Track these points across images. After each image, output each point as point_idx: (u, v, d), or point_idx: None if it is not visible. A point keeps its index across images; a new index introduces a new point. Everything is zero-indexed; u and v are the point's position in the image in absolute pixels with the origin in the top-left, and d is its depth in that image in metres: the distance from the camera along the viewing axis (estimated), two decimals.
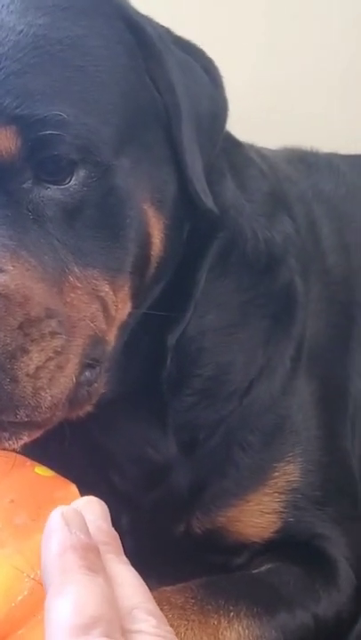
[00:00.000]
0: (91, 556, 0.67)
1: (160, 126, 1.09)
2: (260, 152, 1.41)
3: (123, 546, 1.18)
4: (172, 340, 1.16)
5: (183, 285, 1.17)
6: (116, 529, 1.18)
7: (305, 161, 1.54)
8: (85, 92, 1.01)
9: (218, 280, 1.21)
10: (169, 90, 1.09)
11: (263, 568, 1.18)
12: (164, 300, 1.14)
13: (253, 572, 1.18)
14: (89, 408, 1.09)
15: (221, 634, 1.06)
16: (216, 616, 1.06)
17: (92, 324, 1.01)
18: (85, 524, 0.72)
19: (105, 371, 1.07)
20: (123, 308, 1.06)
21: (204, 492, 1.20)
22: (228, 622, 1.07)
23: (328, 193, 1.49)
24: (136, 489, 1.20)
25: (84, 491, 1.03)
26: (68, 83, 1.00)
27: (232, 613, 1.08)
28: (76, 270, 0.99)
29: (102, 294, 1.02)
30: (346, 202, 1.50)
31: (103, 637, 0.61)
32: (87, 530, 0.71)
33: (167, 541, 1.22)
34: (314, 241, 1.38)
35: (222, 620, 1.07)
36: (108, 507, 1.17)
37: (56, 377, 0.96)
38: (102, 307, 1.02)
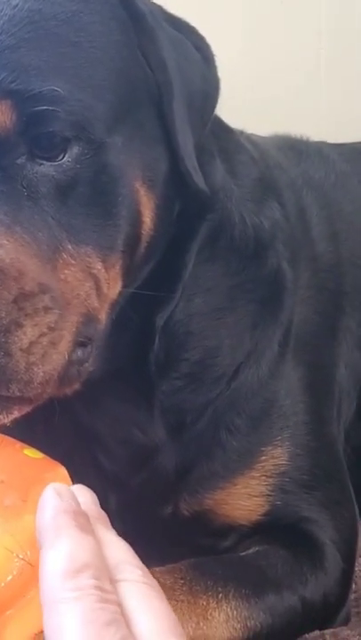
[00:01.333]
0: (81, 519, 0.72)
1: (152, 104, 1.09)
2: (250, 138, 1.41)
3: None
4: (160, 321, 1.17)
5: (172, 266, 1.17)
6: (104, 510, 1.19)
7: (295, 148, 1.55)
8: (80, 67, 1.01)
9: (206, 264, 1.21)
10: (161, 67, 1.09)
11: (251, 551, 1.19)
12: (154, 279, 1.14)
13: (241, 554, 1.19)
14: (78, 386, 1.09)
15: (210, 614, 1.06)
16: (205, 597, 1.07)
17: (85, 302, 1.01)
18: (76, 497, 0.76)
19: (96, 350, 1.07)
20: (114, 287, 1.06)
21: (191, 474, 1.20)
22: (217, 603, 1.07)
23: (318, 180, 1.49)
24: (123, 470, 1.21)
25: (72, 471, 1.03)
26: (62, 58, 1.00)
27: (220, 595, 1.08)
28: (70, 247, 0.99)
29: (95, 272, 1.02)
30: (336, 189, 1.50)
31: (92, 580, 0.66)
32: (78, 504, 0.75)
33: (155, 523, 1.22)
34: (303, 228, 1.38)
35: (211, 601, 1.07)
36: (96, 487, 1.18)
37: (49, 353, 0.96)
38: (95, 284, 1.02)
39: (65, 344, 0.98)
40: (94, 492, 1.16)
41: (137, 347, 1.17)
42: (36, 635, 0.92)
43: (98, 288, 1.03)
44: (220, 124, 1.31)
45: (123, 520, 1.20)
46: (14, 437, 1.05)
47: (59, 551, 0.69)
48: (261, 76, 2.30)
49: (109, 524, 0.79)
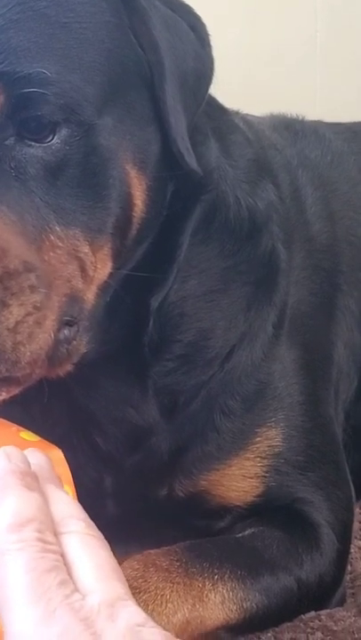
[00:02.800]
0: (28, 479, 0.77)
1: (144, 85, 1.08)
2: (245, 119, 1.40)
3: (106, 509, 1.19)
4: (154, 302, 1.16)
5: (166, 247, 1.16)
6: (99, 492, 1.19)
7: (291, 128, 1.54)
8: (69, 49, 1.00)
9: (200, 245, 1.20)
10: (152, 48, 1.07)
11: (247, 532, 1.19)
12: (147, 261, 1.14)
13: (237, 535, 1.19)
14: (69, 367, 1.09)
15: (206, 596, 1.06)
16: (201, 578, 1.07)
17: (68, 283, 1.01)
18: (26, 459, 0.81)
19: (85, 330, 1.07)
20: (102, 269, 1.06)
21: (186, 455, 1.20)
22: (213, 585, 1.08)
23: (314, 160, 1.48)
24: (118, 450, 1.21)
25: (68, 453, 1.03)
26: (51, 40, 0.99)
27: (216, 576, 1.08)
28: (58, 229, 0.99)
29: (81, 255, 1.02)
30: (331, 169, 1.50)
31: (35, 532, 0.71)
32: (28, 463, 0.80)
33: (150, 504, 1.22)
34: (298, 209, 1.37)
35: (207, 583, 1.07)
36: (91, 468, 1.19)
37: (35, 333, 0.96)
38: (80, 267, 1.02)
39: (50, 323, 0.98)
40: (90, 472, 1.18)
41: (131, 328, 1.16)
42: None
43: (83, 270, 1.02)
44: (214, 104, 1.30)
45: (118, 501, 1.20)
46: (10, 420, 1.05)
47: (4, 508, 0.73)
48: (257, 57, 2.28)
49: (60, 485, 0.83)
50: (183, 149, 1.09)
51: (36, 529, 0.71)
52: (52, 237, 0.98)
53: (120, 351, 1.16)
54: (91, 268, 1.03)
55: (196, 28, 1.17)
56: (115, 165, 1.03)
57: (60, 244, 0.99)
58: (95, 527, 0.77)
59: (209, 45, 1.19)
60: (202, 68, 1.16)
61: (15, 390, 1.00)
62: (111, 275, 1.07)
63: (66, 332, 1.03)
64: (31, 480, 0.77)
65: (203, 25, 1.18)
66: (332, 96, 2.33)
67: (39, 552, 0.70)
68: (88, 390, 1.18)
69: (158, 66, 1.07)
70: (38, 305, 0.96)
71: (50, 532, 0.72)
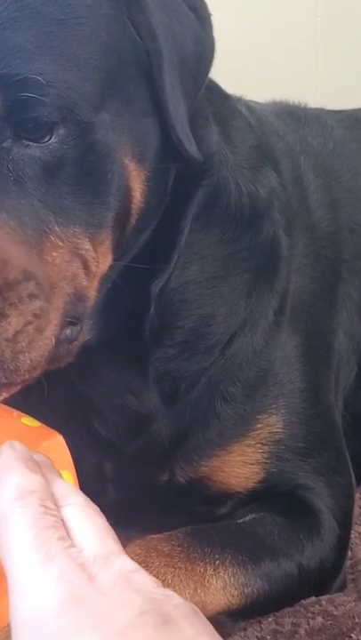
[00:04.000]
0: (30, 463, 0.84)
1: (143, 75, 1.06)
2: (247, 105, 1.40)
3: (106, 495, 1.19)
4: (155, 289, 1.16)
5: (168, 233, 1.16)
6: (99, 477, 1.19)
7: (294, 115, 1.53)
8: (66, 46, 0.98)
9: (201, 232, 1.20)
10: (150, 36, 1.06)
11: (248, 518, 1.19)
12: (149, 248, 1.13)
13: (238, 521, 1.19)
14: (69, 360, 1.09)
15: (207, 581, 1.07)
16: (202, 564, 1.07)
17: (72, 283, 1.01)
18: (29, 451, 0.87)
19: (87, 326, 1.08)
20: (103, 262, 1.06)
21: (187, 441, 1.21)
22: (214, 570, 1.08)
23: (316, 147, 1.48)
24: (119, 437, 1.21)
25: (68, 439, 1.04)
26: (48, 38, 0.97)
27: (218, 561, 1.09)
28: (57, 229, 0.99)
29: (83, 252, 1.01)
30: (334, 156, 1.49)
31: (38, 500, 0.78)
32: (30, 455, 0.86)
33: (151, 490, 1.23)
34: (300, 196, 1.37)
35: (208, 568, 1.08)
36: (92, 454, 1.20)
37: (35, 340, 0.96)
38: (83, 264, 1.02)
39: (51, 328, 0.98)
40: (90, 458, 1.19)
41: (132, 315, 1.16)
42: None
43: (86, 267, 1.02)
44: (216, 90, 1.30)
45: (119, 487, 1.20)
46: (10, 406, 1.05)
47: (9, 482, 0.80)
48: (257, 43, 2.27)
49: (60, 476, 0.89)
50: (183, 137, 1.08)
51: (39, 497, 0.79)
52: (52, 238, 0.98)
53: (121, 337, 1.17)
54: (93, 263, 1.03)
55: (196, 9, 1.15)
56: (113, 160, 1.02)
57: (61, 243, 0.99)
58: (92, 503, 0.83)
59: (210, 26, 1.17)
60: (202, 51, 1.14)
61: (15, 390, 1.01)
62: (111, 267, 1.07)
63: (68, 332, 1.03)
64: (33, 464, 0.84)
65: (204, 5, 1.17)
66: (332, 82, 2.32)
67: (41, 513, 0.77)
68: (87, 377, 1.18)
69: (157, 54, 1.06)
70: (38, 312, 0.96)
71: (51, 502, 0.79)
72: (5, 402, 1.05)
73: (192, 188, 1.18)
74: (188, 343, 1.20)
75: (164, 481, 1.21)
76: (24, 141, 0.97)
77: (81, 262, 1.01)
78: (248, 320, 1.23)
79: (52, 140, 0.97)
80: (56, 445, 1.04)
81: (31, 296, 0.95)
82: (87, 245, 1.01)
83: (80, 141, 0.99)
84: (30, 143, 0.97)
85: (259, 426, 1.21)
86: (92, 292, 1.05)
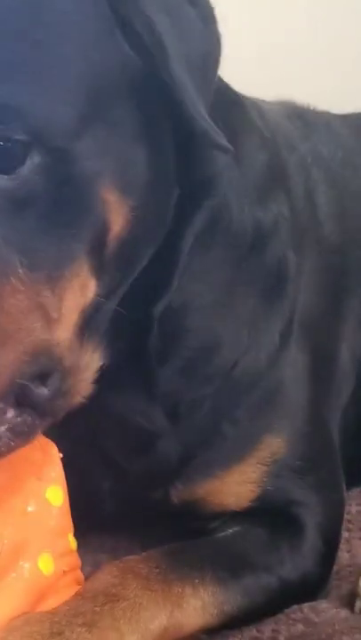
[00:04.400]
0: None
1: (133, 97, 1.00)
2: (260, 110, 1.35)
3: (102, 508, 1.20)
4: (157, 312, 1.13)
5: (168, 255, 1.12)
6: (96, 491, 1.20)
7: (303, 118, 1.50)
8: (44, 69, 0.92)
9: (203, 256, 1.16)
10: (147, 28, 0.97)
11: (230, 531, 1.19)
12: (149, 271, 1.10)
13: (219, 535, 1.19)
14: (88, 391, 1.08)
15: (186, 602, 1.06)
16: (180, 584, 1.07)
17: (29, 338, 0.94)
18: None
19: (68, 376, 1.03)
20: (82, 295, 0.99)
21: (190, 462, 1.20)
22: (193, 589, 1.07)
23: (326, 157, 1.45)
24: (122, 454, 1.20)
25: (68, 453, 1.06)
26: (24, 58, 0.91)
27: (197, 580, 1.08)
28: (21, 272, 0.92)
29: (42, 299, 0.94)
30: (343, 167, 1.47)
31: None
32: None
33: (145, 506, 1.23)
34: (310, 211, 1.34)
35: (186, 589, 1.07)
36: (92, 470, 1.18)
37: None
38: (42, 315, 0.95)
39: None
40: (89, 474, 1.18)
41: (135, 338, 1.14)
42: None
43: (46, 317, 0.95)
44: (233, 99, 1.25)
45: (115, 503, 1.21)
46: None
47: None
48: (256, 42, 2.24)
49: None
50: (208, 126, 0.99)
51: None
52: (13, 281, 0.91)
53: (125, 360, 1.14)
54: (54, 310, 0.96)
55: (197, 5, 1.07)
56: (91, 194, 0.95)
57: (22, 287, 0.92)
58: None
59: (214, 22, 1.08)
60: (207, 48, 1.06)
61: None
62: (99, 294, 1.01)
63: (43, 389, 0.99)
64: None
65: (206, 0, 1.10)
66: (332, 82, 2.29)
67: None
68: (93, 402, 1.14)
69: (158, 46, 0.97)
70: None
71: None
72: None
73: (192, 207, 1.14)
74: (192, 366, 1.18)
75: (158, 499, 1.21)
76: None
77: (40, 314, 0.94)
78: (253, 344, 1.21)
79: (24, 170, 0.90)
80: (48, 458, 1.04)
81: None
82: (48, 293, 0.94)
83: (55, 171, 0.91)
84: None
85: (261, 446, 1.20)
86: (60, 339, 0.98)
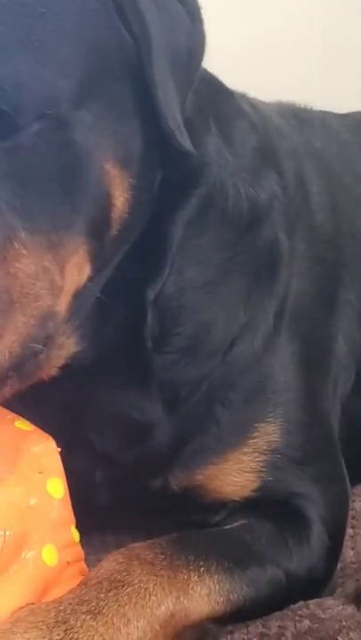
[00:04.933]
0: None
1: (129, 76, 1.03)
2: (251, 102, 1.38)
3: (97, 499, 1.19)
4: (150, 295, 1.14)
5: (157, 240, 1.14)
6: (90, 482, 1.20)
7: (298, 116, 1.52)
8: (45, 41, 0.95)
9: (196, 237, 1.18)
10: (138, 20, 1.01)
11: (236, 524, 1.19)
12: (137, 256, 1.11)
13: (226, 527, 1.19)
14: (54, 371, 1.08)
15: (191, 588, 1.05)
16: (186, 571, 1.06)
17: (36, 303, 0.96)
18: None
19: (60, 337, 1.05)
20: (79, 273, 1.02)
21: (185, 449, 1.20)
22: (199, 577, 1.07)
23: (320, 150, 1.47)
24: (114, 447, 1.20)
25: (61, 445, 1.05)
26: (27, 32, 0.94)
27: (202, 568, 1.08)
28: (23, 236, 0.94)
29: (47, 264, 0.96)
30: (337, 160, 1.48)
31: None
32: None
33: (143, 497, 1.22)
34: (302, 197, 1.36)
35: (192, 575, 1.06)
36: (84, 463, 1.18)
37: None
38: (48, 280, 0.97)
39: (7, 344, 0.94)
40: (81, 464, 1.17)
41: (129, 323, 1.15)
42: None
43: (51, 283, 0.98)
44: (218, 87, 1.28)
45: (110, 493, 1.20)
46: (5, 408, 1.06)
47: None
48: (253, 42, 2.26)
49: None
50: (174, 127, 1.03)
51: None
52: (16, 245, 0.93)
53: (120, 349, 1.15)
54: (58, 278, 0.98)
55: (185, 3, 1.11)
56: (92, 164, 0.98)
57: (25, 252, 0.94)
58: None
59: (200, 20, 1.13)
60: (193, 45, 1.10)
61: None
62: (90, 278, 1.04)
63: (33, 348, 0.98)
64: None
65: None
66: (328, 81, 2.31)
67: None
68: (85, 394, 1.17)
69: (145, 40, 1.01)
70: None
71: None
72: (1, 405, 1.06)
73: (181, 195, 1.15)
74: (188, 349, 1.19)
75: (157, 488, 1.21)
76: None
77: (46, 279, 0.97)
78: (248, 324, 1.22)
79: (24, 136, 0.92)
80: (47, 451, 1.04)
81: None
82: (50, 257, 0.96)
83: (55, 139, 0.94)
84: (1, 141, 0.92)
85: (256, 434, 1.20)
86: (61, 308, 1.01)
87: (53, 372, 1.08)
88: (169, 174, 1.12)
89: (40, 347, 0.99)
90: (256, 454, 1.20)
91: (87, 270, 1.02)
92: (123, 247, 1.09)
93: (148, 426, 1.19)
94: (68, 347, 1.09)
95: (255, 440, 1.20)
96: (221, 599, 1.08)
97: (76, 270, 1.01)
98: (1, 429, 1.04)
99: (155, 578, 1.02)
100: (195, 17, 1.12)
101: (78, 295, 1.03)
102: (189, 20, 1.11)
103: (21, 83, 0.91)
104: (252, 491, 1.21)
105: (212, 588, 1.07)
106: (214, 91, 1.26)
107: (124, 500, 1.22)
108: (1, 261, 0.92)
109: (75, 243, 0.99)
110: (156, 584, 1.02)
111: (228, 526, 1.19)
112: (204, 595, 1.06)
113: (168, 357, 1.18)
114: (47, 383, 1.07)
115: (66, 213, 0.97)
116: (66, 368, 1.09)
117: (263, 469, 1.20)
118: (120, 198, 1.03)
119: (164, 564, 1.05)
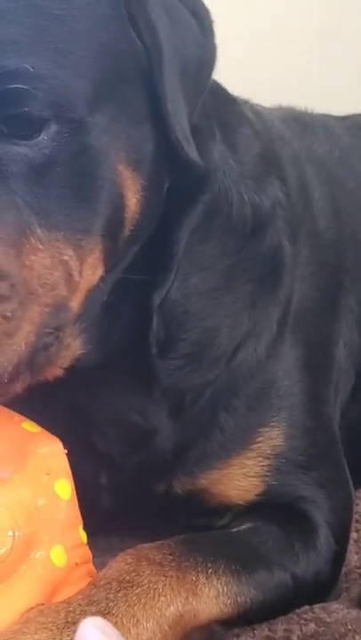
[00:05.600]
0: None
1: (142, 81, 1.04)
2: (254, 109, 1.39)
3: (101, 503, 1.19)
4: (156, 300, 1.15)
5: (163, 245, 1.15)
6: (95, 485, 1.19)
7: (300, 121, 1.53)
8: (61, 42, 0.96)
9: (201, 244, 1.19)
10: (150, 31, 1.03)
11: (243, 527, 1.19)
12: (144, 260, 1.12)
13: (233, 530, 1.19)
14: (59, 371, 1.09)
15: (200, 590, 1.06)
16: (194, 572, 1.07)
17: (51, 292, 0.98)
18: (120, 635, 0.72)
19: (72, 334, 1.06)
20: (93, 274, 1.03)
21: (188, 453, 1.20)
22: (207, 579, 1.07)
23: (322, 155, 1.48)
24: (118, 451, 1.21)
25: (66, 446, 1.05)
26: (42, 32, 0.95)
27: (210, 570, 1.08)
28: (39, 231, 0.95)
29: (66, 258, 0.98)
30: (339, 165, 1.49)
31: None
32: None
33: (148, 500, 1.23)
34: (305, 203, 1.37)
35: (200, 577, 1.07)
36: (87, 465, 1.18)
37: (2, 344, 0.93)
38: (65, 273, 0.99)
39: (23, 335, 0.95)
40: (86, 467, 1.17)
41: (135, 328, 1.15)
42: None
43: (68, 276, 0.99)
44: (222, 94, 1.29)
45: (114, 495, 1.20)
46: (10, 409, 1.06)
47: None
48: (253, 43, 2.27)
49: None
50: (182, 138, 1.05)
51: None
52: (32, 240, 0.95)
53: (125, 353, 1.16)
54: (76, 273, 1.00)
55: (197, 14, 1.13)
56: (106, 166, 1.00)
57: (42, 246, 0.96)
58: None
59: (212, 33, 1.15)
60: (203, 56, 1.12)
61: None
62: (103, 278, 1.05)
63: (45, 338, 1.00)
64: None
65: (206, 11, 1.15)
66: (328, 82, 2.31)
67: None
68: (89, 396, 1.18)
69: (156, 50, 1.03)
70: (9, 315, 0.93)
71: None
72: (7, 406, 1.06)
73: (189, 199, 1.17)
74: (193, 355, 1.19)
75: (161, 492, 1.21)
76: (12, 138, 0.94)
77: (64, 270, 0.98)
78: (252, 331, 1.22)
79: (42, 137, 0.94)
80: (54, 452, 1.05)
81: (2, 297, 0.93)
82: (70, 252, 0.99)
83: (71, 141, 0.96)
84: (18, 140, 0.94)
85: (260, 439, 1.21)
86: (74, 303, 1.02)
87: (59, 372, 1.09)
88: (176, 180, 1.13)
89: (52, 340, 1.00)
90: (260, 459, 1.21)
91: (100, 271, 1.04)
92: (132, 248, 1.10)
93: (151, 431, 1.19)
94: (74, 348, 1.09)
95: (259, 445, 1.21)
96: (229, 601, 1.08)
97: (91, 270, 1.02)
98: (8, 431, 1.05)
99: (164, 579, 1.03)
100: (206, 29, 1.14)
101: (89, 296, 1.04)
102: (201, 31, 1.13)
103: (39, 80, 0.93)
104: (257, 495, 1.21)
105: (220, 589, 1.07)
106: (218, 98, 1.27)
107: (129, 503, 1.22)
108: (17, 254, 0.94)
109: (92, 243, 1.00)
110: (165, 585, 1.02)
111: (236, 529, 1.19)
112: (212, 596, 1.06)
113: (173, 363, 1.18)
114: (52, 384, 1.08)
115: (82, 214, 0.99)
116: (71, 369, 1.10)
117: (268, 474, 1.21)
118: (132, 199, 1.04)
119: (173, 564, 1.05)
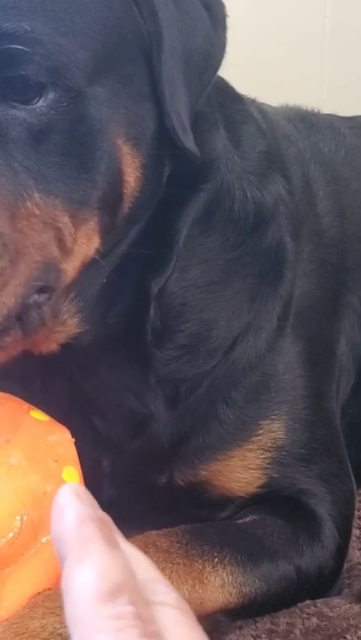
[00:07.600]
0: (106, 529, 0.63)
1: (144, 60, 1.05)
2: (260, 108, 1.41)
3: (102, 489, 1.19)
4: (154, 288, 1.16)
5: (163, 232, 1.16)
6: (96, 471, 1.19)
7: (306, 120, 1.54)
8: (63, 11, 0.97)
9: (202, 236, 1.20)
10: (152, 17, 1.05)
11: (248, 519, 1.21)
12: (144, 243, 1.13)
13: (238, 521, 1.21)
14: (55, 347, 1.10)
15: (206, 578, 1.08)
16: (200, 561, 1.08)
17: (41, 251, 0.99)
18: (95, 501, 0.66)
19: (63, 297, 1.07)
20: (87, 243, 1.04)
21: (187, 444, 1.21)
22: (213, 568, 1.09)
23: (327, 154, 1.49)
24: (118, 434, 1.22)
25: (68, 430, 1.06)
26: (44, 0, 0.96)
27: (216, 559, 1.10)
28: (36, 196, 0.97)
29: (60, 225, 1.00)
30: (344, 164, 1.51)
31: (130, 606, 0.58)
32: (98, 506, 0.65)
33: (150, 491, 1.24)
34: (308, 202, 1.38)
35: (207, 565, 1.08)
36: (90, 449, 1.20)
37: None
38: (56, 236, 1.00)
39: (12, 289, 0.97)
40: (88, 452, 1.18)
41: (132, 314, 1.16)
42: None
43: (59, 240, 1.00)
44: (229, 92, 1.30)
45: (115, 483, 1.21)
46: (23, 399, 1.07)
47: (89, 568, 0.59)
48: (265, 41, 2.28)
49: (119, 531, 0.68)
50: (178, 126, 1.06)
51: (130, 600, 0.58)
52: (28, 205, 0.96)
53: (122, 338, 1.17)
54: (69, 239, 1.01)
55: (211, 7, 1.14)
56: (104, 138, 1.01)
57: (37, 211, 0.97)
58: (181, 598, 0.64)
59: (223, 27, 1.16)
60: (210, 49, 1.13)
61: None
62: (99, 251, 1.06)
63: (36, 296, 1.01)
64: (109, 532, 0.63)
65: (220, 6, 1.17)
66: (339, 81, 2.32)
67: (140, 637, 0.56)
68: (88, 375, 1.19)
69: (157, 36, 1.04)
70: None
71: (144, 605, 0.59)
72: (5, 391, 1.08)
73: (189, 189, 1.18)
74: (189, 346, 1.20)
75: (164, 483, 1.22)
76: (10, 102, 0.95)
77: (54, 235, 0.99)
78: (251, 324, 1.23)
79: (40, 103, 0.95)
80: (63, 440, 1.06)
81: None
82: (66, 219, 1.00)
83: (70, 110, 0.97)
84: (17, 104, 0.95)
85: (261, 432, 1.22)
86: (68, 267, 1.03)
87: (55, 347, 1.10)
88: (179, 168, 1.14)
89: (42, 299, 1.01)
90: (261, 451, 1.21)
91: (96, 242, 1.05)
92: (132, 228, 1.11)
93: (148, 416, 1.20)
94: (70, 325, 1.11)
95: (260, 437, 1.22)
96: (234, 591, 1.09)
97: (85, 239, 1.03)
98: (17, 418, 1.07)
99: (171, 565, 1.04)
100: (218, 22, 1.15)
101: (86, 269, 1.06)
102: (211, 24, 1.14)
103: (38, 44, 0.93)
104: (258, 487, 1.22)
105: (226, 579, 1.09)
106: (225, 95, 1.29)
107: (130, 492, 1.23)
108: (10, 218, 0.95)
109: (87, 213, 1.01)
110: (172, 571, 1.04)
111: (241, 521, 1.20)
112: (218, 585, 1.08)
113: (169, 354, 1.19)
114: (51, 363, 1.08)
115: (80, 184, 1.00)
116: (69, 348, 1.12)
117: (268, 466, 1.21)
118: (132, 175, 1.06)
119: (180, 552, 1.07)
